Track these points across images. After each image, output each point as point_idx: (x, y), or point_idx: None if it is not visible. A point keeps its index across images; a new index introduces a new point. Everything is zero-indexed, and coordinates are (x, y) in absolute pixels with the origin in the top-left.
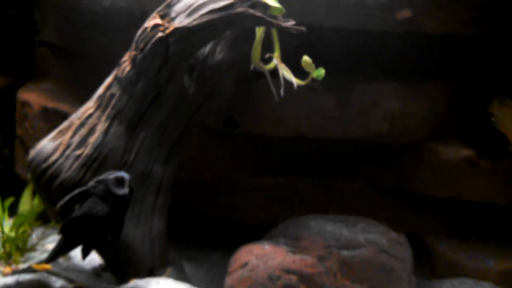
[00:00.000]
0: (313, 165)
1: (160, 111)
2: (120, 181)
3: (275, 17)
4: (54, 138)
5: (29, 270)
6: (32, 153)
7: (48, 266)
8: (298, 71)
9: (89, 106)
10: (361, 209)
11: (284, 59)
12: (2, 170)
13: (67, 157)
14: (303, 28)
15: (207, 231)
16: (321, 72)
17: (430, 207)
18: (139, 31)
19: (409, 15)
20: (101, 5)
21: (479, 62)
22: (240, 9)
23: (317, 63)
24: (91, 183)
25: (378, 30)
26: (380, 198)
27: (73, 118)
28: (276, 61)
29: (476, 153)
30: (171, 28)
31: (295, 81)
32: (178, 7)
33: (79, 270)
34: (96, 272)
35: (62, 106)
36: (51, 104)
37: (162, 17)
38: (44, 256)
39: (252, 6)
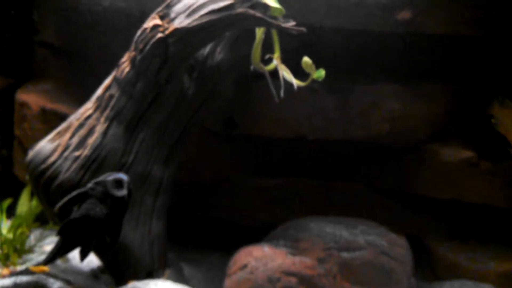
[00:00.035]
0: (313, 166)
1: (159, 111)
2: (119, 183)
3: (275, 18)
4: (53, 139)
5: (26, 272)
6: (31, 154)
7: (45, 268)
8: (298, 72)
9: (88, 107)
10: (361, 210)
11: (284, 60)
12: (0, 171)
13: (66, 158)
14: (303, 29)
15: (206, 233)
16: (321, 73)
17: (430, 208)
18: (139, 32)
19: (409, 15)
20: (100, 6)
21: (480, 63)
22: (240, 10)
23: (317, 64)
24: (89, 185)
25: (379, 30)
26: (380, 199)
27: (72, 119)
28: (276, 62)
29: (476, 155)
30: (170, 29)
31: (295, 82)
32: (177, 7)
33: (77, 272)
34: (95, 274)
35: (61, 107)
36: (50, 105)
37: (162, 17)
38: (42, 257)
39: (252, 7)
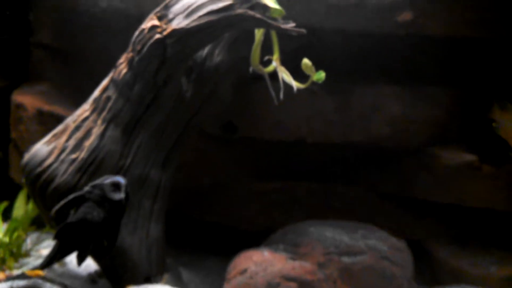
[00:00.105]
0: (312, 169)
1: (157, 114)
2: (116, 186)
3: (274, 19)
4: (49, 142)
5: (23, 276)
6: (27, 157)
7: (41, 273)
8: (298, 74)
9: (85, 109)
10: (361, 214)
11: (284, 61)
12: None
13: (62, 161)
14: (303, 30)
15: (204, 237)
16: (321, 75)
17: (431, 212)
18: (136, 33)
19: (410, 17)
20: (98, 6)
21: (482, 65)
22: (239, 11)
23: (317, 65)
24: (86, 188)
25: (379, 32)
26: (381, 203)
27: (69, 121)
28: (275, 63)
29: (478, 158)
30: (169, 30)
31: (295, 84)
32: (176, 8)
33: (75, 276)
34: (92, 278)
35: (58, 109)
36: (46, 107)
37: (160, 18)
38: (39, 261)
39: (252, 8)
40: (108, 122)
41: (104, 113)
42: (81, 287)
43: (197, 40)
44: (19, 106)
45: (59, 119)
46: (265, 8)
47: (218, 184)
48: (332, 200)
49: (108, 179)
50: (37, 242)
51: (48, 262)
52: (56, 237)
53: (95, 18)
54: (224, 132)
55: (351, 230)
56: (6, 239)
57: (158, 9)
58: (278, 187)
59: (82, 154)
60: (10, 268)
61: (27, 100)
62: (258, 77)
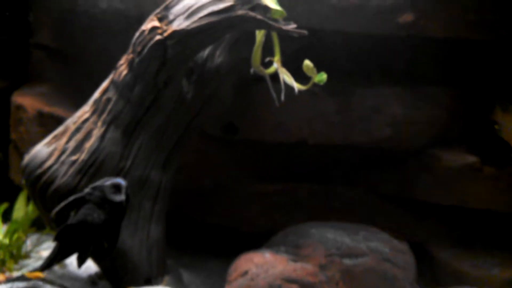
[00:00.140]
0: (313, 171)
1: (158, 115)
2: (116, 188)
3: (276, 20)
4: (49, 143)
5: (22, 278)
6: (27, 158)
7: (40, 275)
8: (299, 75)
9: (85, 110)
10: (363, 216)
11: (285, 63)
12: None
13: (63, 162)
14: (304, 32)
15: (205, 239)
16: (322, 76)
17: (432, 214)
18: (137, 34)
19: (411, 18)
20: (98, 7)
21: (483, 67)
22: (240, 12)
23: (318, 67)
24: (87, 190)
25: (380, 33)
26: (382, 205)
27: (69, 122)
28: (276, 65)
29: (479, 160)
30: (169, 31)
31: (296, 85)
32: (176, 9)
33: (75, 278)
34: (92, 280)
35: (58, 111)
36: (46, 108)
37: (160, 19)
38: (39, 263)
39: (253, 9)
40: (109, 124)
41: (104, 115)
42: None
43: (197, 42)
44: (19, 108)
45: (59, 121)
46: (266, 9)
47: (219, 186)
48: (333, 202)
49: (108, 181)
50: (37, 243)
51: (48, 264)
52: (56, 238)
53: (95, 19)
54: (225, 134)
55: (353, 232)
56: (6, 241)
57: (158, 10)
58: (279, 189)
59: (82, 156)
60: (10, 270)
61: (27, 101)
62: (259, 79)
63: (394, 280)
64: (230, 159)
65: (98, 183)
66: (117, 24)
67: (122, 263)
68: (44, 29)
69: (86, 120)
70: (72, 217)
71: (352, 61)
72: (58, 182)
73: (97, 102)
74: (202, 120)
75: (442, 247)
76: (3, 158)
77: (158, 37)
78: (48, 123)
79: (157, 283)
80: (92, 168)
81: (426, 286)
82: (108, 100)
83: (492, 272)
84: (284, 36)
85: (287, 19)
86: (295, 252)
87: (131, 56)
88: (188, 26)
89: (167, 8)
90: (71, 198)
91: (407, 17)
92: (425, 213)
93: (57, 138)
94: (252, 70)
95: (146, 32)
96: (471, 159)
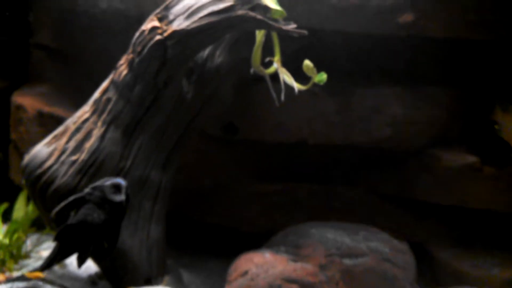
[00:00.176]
0: (313, 171)
1: (158, 115)
2: (116, 188)
3: (276, 20)
4: (49, 143)
5: (22, 278)
6: (27, 158)
7: (40, 275)
8: (299, 75)
9: (85, 110)
10: (363, 216)
11: (285, 63)
12: None
13: (63, 162)
14: (304, 32)
15: (205, 239)
16: (322, 76)
17: (432, 214)
18: (137, 34)
19: (411, 18)
20: (98, 7)
21: (483, 67)
22: (240, 12)
23: (318, 67)
24: (87, 190)
25: (380, 33)
26: (382, 205)
27: (69, 122)
28: (276, 65)
29: (479, 160)
30: (169, 31)
31: (296, 85)
32: (176, 9)
33: (75, 278)
34: (92, 280)
35: (58, 110)
36: (46, 108)
37: (160, 19)
38: (39, 263)
39: (253, 9)
40: (109, 124)
41: (104, 115)
42: None
43: (197, 42)
44: (19, 108)
45: (59, 121)
46: (266, 9)
47: (219, 186)
48: (333, 202)
49: (108, 181)
50: (37, 243)
51: (48, 264)
52: (56, 238)
53: (95, 19)
54: (225, 134)
55: (353, 232)
56: (6, 241)
57: (158, 10)
58: (279, 189)
59: (82, 156)
60: (10, 270)
61: (27, 101)
62: (259, 79)
63: (394, 280)
64: (230, 159)
65: (98, 183)
66: (117, 24)
67: (122, 263)
68: (44, 29)
69: (86, 120)
70: (72, 217)
71: (352, 61)
72: (58, 182)
73: (97, 102)
74: (202, 120)
75: (442, 247)
76: (3, 158)
77: (158, 37)
78: (48, 123)
79: (157, 283)
80: (92, 168)
81: (426, 286)
82: (108, 100)
83: (492, 272)
84: (284, 36)
85: (287, 19)
86: (295, 252)
87: (131, 56)
88: (188, 26)
89: (167, 8)
90: (71, 198)
91: (407, 17)
92: (425, 213)
93: (57, 138)
94: (252, 70)
95: (146, 32)
96: (471, 159)
